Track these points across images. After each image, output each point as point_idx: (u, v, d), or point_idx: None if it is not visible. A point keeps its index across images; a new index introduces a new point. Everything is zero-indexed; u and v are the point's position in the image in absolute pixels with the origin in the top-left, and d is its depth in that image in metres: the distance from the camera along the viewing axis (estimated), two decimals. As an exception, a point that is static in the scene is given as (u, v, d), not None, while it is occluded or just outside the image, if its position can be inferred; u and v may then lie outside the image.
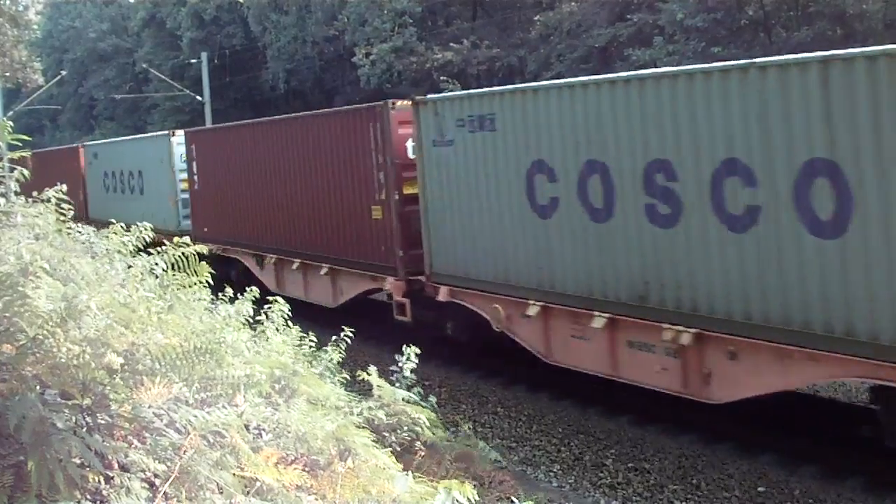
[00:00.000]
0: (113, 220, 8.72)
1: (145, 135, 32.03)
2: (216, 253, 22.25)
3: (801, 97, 10.22)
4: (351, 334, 10.38)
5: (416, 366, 10.58)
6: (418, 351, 10.70)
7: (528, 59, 36.32)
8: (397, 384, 10.01)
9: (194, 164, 25.51)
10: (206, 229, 24.69)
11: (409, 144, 17.02)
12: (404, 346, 10.87)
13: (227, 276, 22.22)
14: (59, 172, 31.69)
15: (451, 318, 16.79)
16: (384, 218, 17.52)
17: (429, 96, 16.72)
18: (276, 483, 5.02)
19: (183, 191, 26.60)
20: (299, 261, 20.83)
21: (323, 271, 19.83)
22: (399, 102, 17.38)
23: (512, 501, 8.83)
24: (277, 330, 9.05)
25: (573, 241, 13.50)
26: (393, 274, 17.46)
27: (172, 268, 7.50)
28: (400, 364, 10.62)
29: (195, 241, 7.78)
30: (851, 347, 10.04)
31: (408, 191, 17.11)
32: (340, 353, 10.09)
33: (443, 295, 16.11)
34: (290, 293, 19.36)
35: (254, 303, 9.34)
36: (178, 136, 27.05)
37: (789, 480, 11.77)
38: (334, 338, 10.18)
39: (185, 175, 26.33)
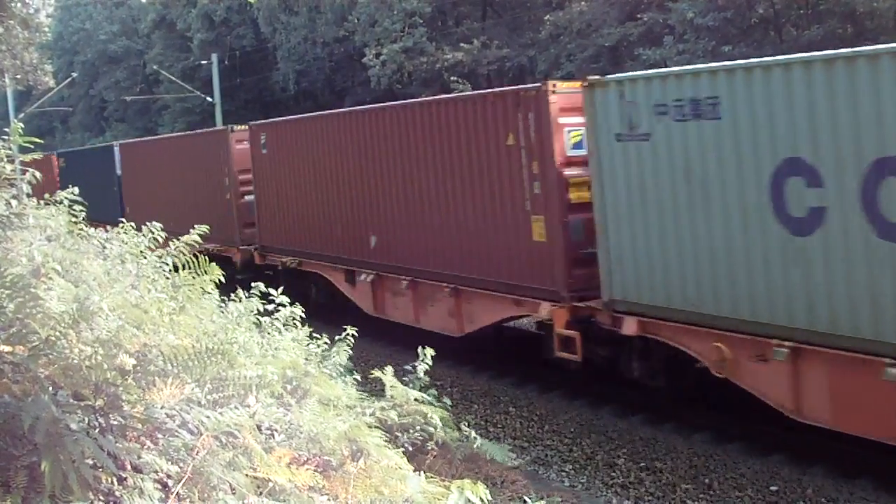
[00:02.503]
0: None
1: None
2: None
3: None
4: (355, 334, 10.28)
5: (429, 367, 10.50)
6: (433, 352, 10.65)
7: (538, 59, 36.31)
8: (410, 385, 9.95)
9: None
10: None
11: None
12: (419, 348, 10.79)
13: None
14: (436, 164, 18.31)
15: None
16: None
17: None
18: (289, 483, 5.02)
19: None
20: None
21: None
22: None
23: (524, 501, 8.83)
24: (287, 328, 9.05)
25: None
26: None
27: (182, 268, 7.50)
28: (414, 364, 10.54)
29: None
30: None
31: None
32: (348, 352, 10.03)
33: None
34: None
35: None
36: None
37: (801, 479, 11.74)
38: (338, 338, 10.12)
39: None
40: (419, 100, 21.04)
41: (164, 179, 28.71)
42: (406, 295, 17.91)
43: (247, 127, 24.36)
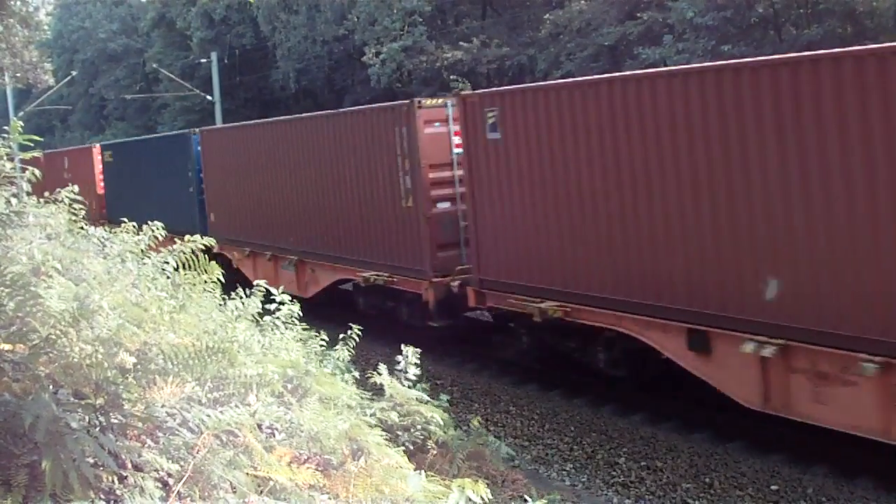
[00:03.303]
0: None
1: None
2: None
3: None
4: (359, 332, 10.23)
5: (418, 363, 10.40)
6: (419, 350, 10.42)
7: (537, 57, 36.26)
8: (404, 383, 9.91)
9: None
10: None
11: None
12: (403, 346, 10.31)
13: None
14: None
15: None
16: None
17: None
18: (290, 482, 5.01)
19: None
20: None
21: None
22: None
23: (525, 500, 8.82)
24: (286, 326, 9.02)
25: None
26: None
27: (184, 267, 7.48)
28: (402, 363, 10.41)
29: None
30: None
31: None
32: (350, 351, 10.02)
33: None
34: None
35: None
36: None
37: (802, 478, 11.75)
38: (342, 336, 10.11)
39: None
40: None
41: (280, 179, 21.74)
42: (862, 385, 10.33)
43: (442, 101, 17.43)
